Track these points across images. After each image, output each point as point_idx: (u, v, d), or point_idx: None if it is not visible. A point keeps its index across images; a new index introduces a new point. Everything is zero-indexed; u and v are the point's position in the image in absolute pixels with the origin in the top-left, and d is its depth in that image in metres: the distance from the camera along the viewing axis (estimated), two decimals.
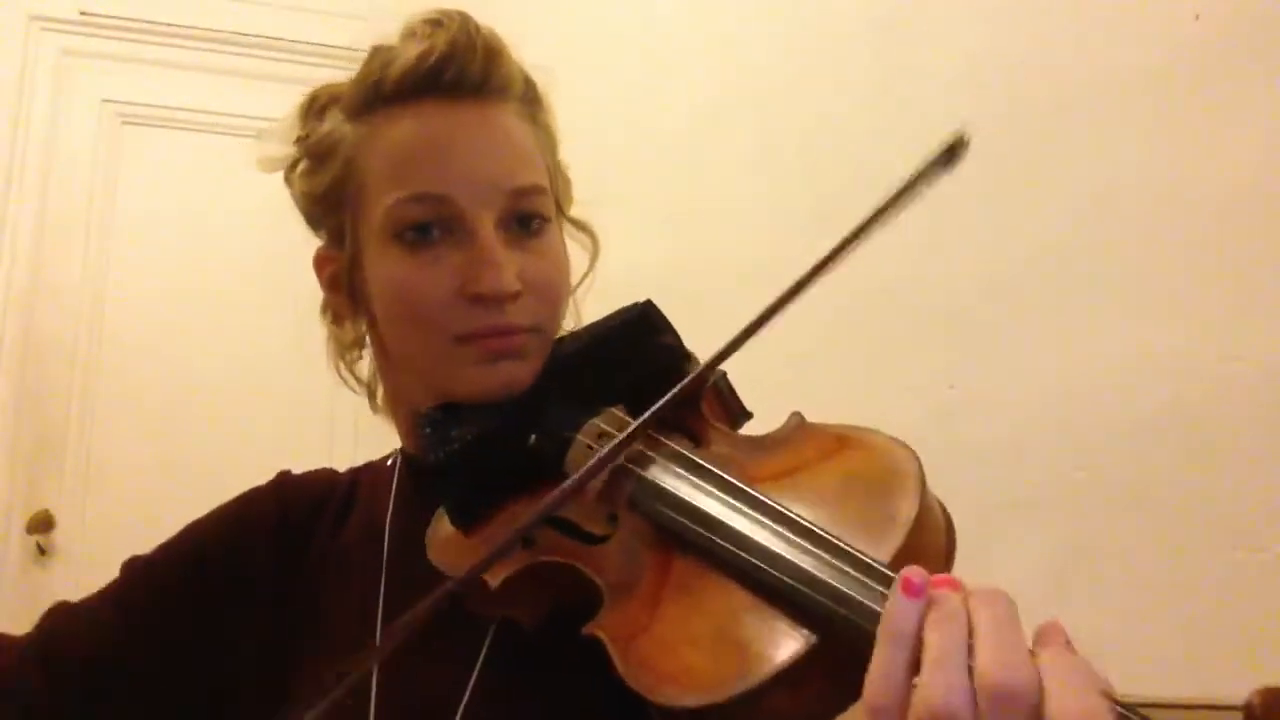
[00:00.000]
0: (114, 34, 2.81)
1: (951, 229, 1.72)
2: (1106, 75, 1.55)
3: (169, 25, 2.83)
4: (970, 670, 0.41)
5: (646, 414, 0.60)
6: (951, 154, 0.55)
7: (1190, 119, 1.47)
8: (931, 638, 0.42)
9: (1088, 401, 1.52)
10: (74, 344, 2.67)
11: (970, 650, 0.41)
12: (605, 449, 0.59)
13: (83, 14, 2.79)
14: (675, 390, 0.60)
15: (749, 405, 0.72)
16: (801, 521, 0.54)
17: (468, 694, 0.69)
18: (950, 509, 0.56)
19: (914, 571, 0.45)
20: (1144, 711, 0.41)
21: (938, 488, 0.58)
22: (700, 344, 0.69)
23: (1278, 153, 1.38)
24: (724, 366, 0.72)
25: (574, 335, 0.76)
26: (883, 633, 0.43)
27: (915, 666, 0.42)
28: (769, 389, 0.69)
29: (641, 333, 0.72)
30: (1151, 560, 1.39)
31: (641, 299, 0.74)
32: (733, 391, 0.72)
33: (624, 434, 0.60)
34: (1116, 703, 0.41)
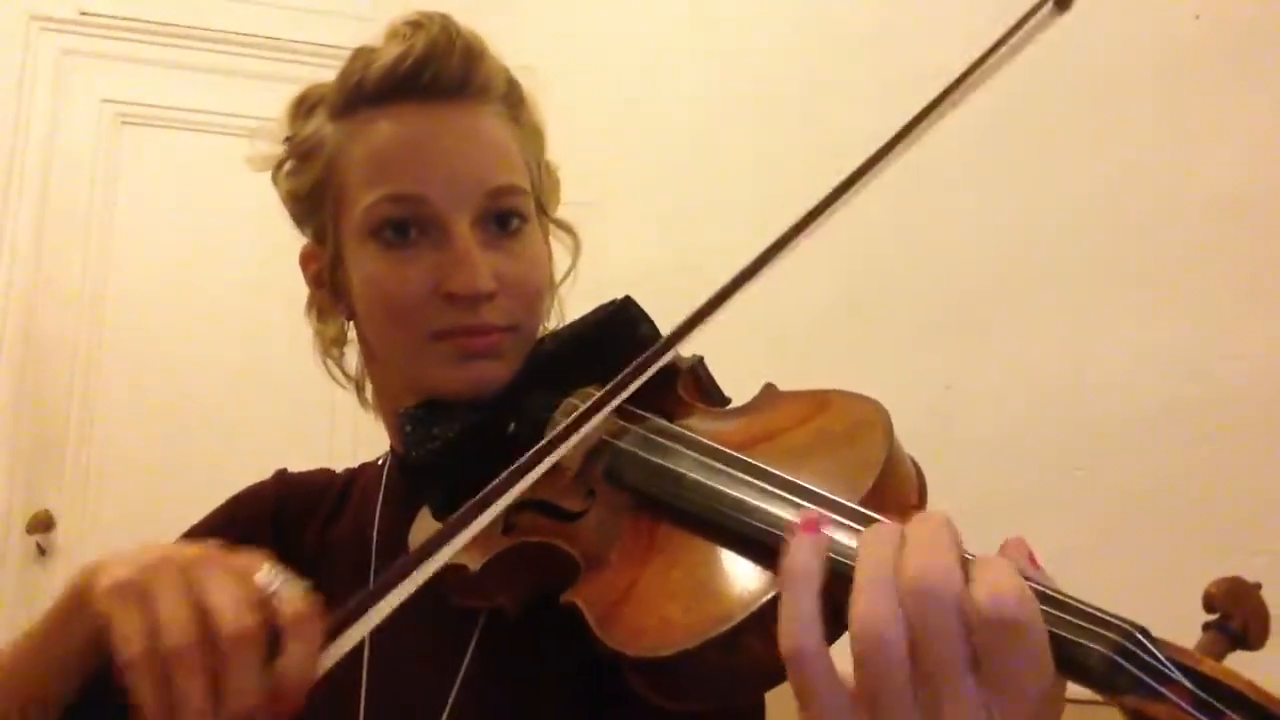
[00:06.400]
0: (114, 34, 2.82)
1: (949, 228, 1.73)
2: (1106, 75, 1.55)
3: (169, 25, 2.83)
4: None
5: (617, 379, 0.60)
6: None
7: (1190, 119, 1.47)
8: (862, 562, 0.41)
9: (1087, 401, 1.52)
10: (74, 344, 2.68)
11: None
12: (576, 414, 0.60)
13: (83, 14, 2.79)
14: (652, 349, 0.61)
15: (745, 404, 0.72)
16: (770, 470, 0.54)
17: (455, 688, 0.70)
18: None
19: (809, 511, 0.45)
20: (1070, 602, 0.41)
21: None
22: (698, 343, 0.69)
23: (1278, 152, 1.38)
24: (715, 361, 0.73)
25: (554, 334, 0.77)
26: (783, 576, 0.42)
27: (825, 608, 0.41)
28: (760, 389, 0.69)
29: (620, 325, 0.73)
30: (1151, 560, 1.39)
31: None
32: (710, 377, 0.73)
33: (594, 399, 0.60)
34: (1043, 585, 0.41)
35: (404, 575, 0.52)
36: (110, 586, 0.52)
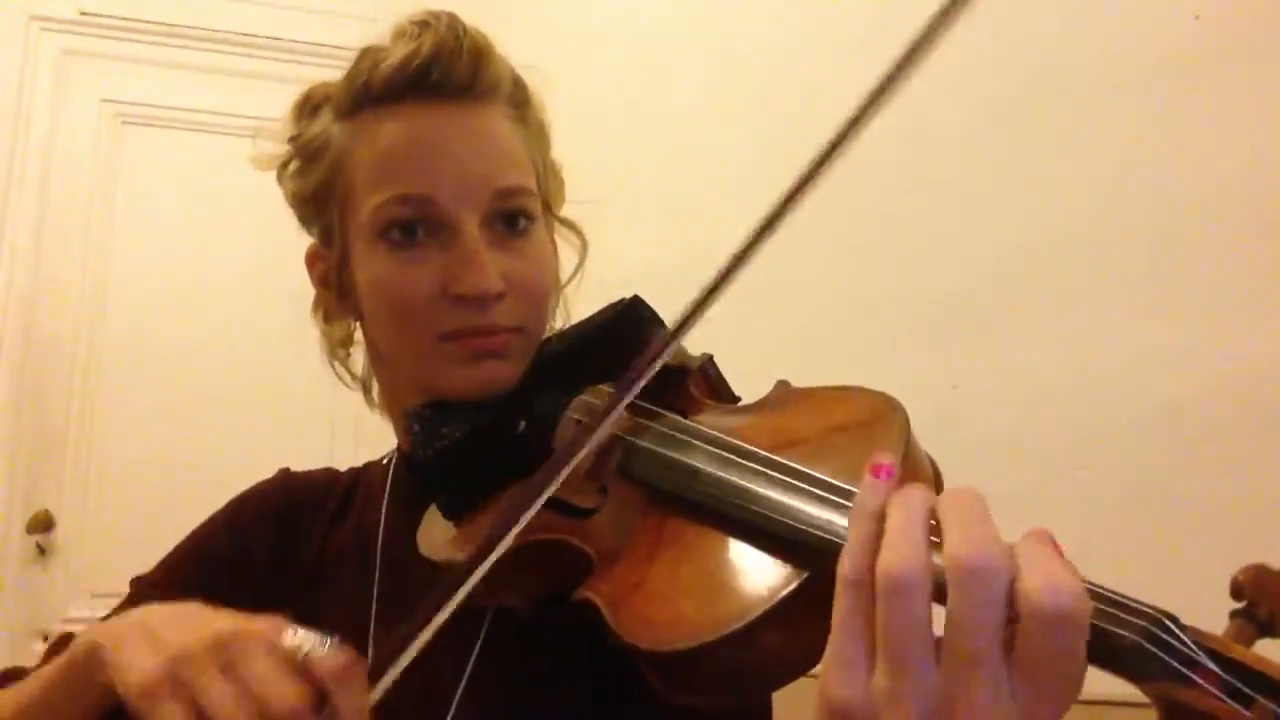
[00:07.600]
0: (114, 34, 2.82)
1: (951, 229, 1.73)
2: (1105, 75, 1.55)
3: (169, 25, 2.83)
4: (935, 550, 0.41)
5: (635, 366, 0.59)
6: None
7: (1189, 119, 1.47)
8: (892, 515, 0.43)
9: (1088, 401, 1.52)
10: (74, 344, 2.68)
11: (937, 533, 0.42)
12: (603, 408, 0.58)
13: (83, 14, 2.79)
14: (667, 332, 0.60)
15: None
16: (787, 464, 0.54)
17: (463, 685, 0.70)
18: None
19: (883, 455, 0.46)
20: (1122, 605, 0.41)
21: None
22: (698, 342, 0.69)
23: (1278, 152, 1.38)
24: (720, 362, 0.73)
25: (560, 334, 0.77)
26: (853, 512, 0.44)
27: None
28: (768, 389, 0.69)
29: (628, 324, 0.73)
30: (1151, 560, 1.39)
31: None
32: (720, 375, 0.73)
33: (619, 385, 0.59)
34: (1092, 585, 0.41)
35: (442, 603, 0.52)
36: (145, 683, 0.51)
